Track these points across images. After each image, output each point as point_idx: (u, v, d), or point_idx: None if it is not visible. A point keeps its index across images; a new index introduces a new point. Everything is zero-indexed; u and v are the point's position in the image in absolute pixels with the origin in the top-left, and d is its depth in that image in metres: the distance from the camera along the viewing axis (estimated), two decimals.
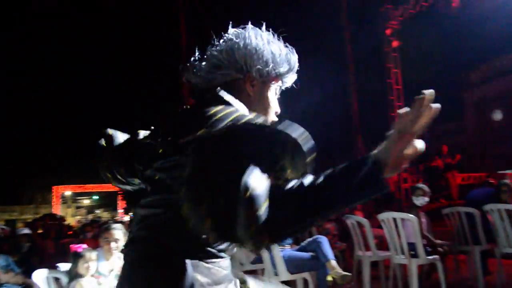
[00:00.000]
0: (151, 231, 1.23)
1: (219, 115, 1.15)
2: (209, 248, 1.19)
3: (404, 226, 4.58)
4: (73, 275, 3.44)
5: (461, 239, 5.26)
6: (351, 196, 1.06)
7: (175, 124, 1.29)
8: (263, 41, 1.36)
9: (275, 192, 1.01)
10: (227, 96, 1.29)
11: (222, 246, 1.21)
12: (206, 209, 1.00)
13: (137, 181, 1.41)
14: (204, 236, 1.10)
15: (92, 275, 3.61)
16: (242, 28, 1.38)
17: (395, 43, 12.96)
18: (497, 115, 16.63)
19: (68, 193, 32.66)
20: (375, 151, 1.08)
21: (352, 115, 14.25)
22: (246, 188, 0.97)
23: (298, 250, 4.33)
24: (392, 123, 1.08)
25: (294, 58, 1.43)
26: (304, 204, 1.03)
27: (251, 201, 0.97)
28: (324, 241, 4.22)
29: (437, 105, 1.04)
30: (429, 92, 1.04)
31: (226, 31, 1.41)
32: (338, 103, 16.51)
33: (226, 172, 1.02)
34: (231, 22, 1.41)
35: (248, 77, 1.35)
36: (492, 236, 4.92)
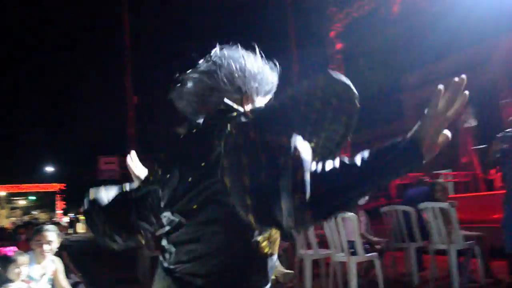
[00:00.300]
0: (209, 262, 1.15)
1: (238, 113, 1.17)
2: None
3: (344, 225, 4.68)
4: (2, 280, 3.25)
5: (398, 237, 5.45)
6: (391, 170, 1.06)
7: (187, 152, 1.24)
8: (255, 59, 1.37)
9: (317, 163, 1.01)
10: (234, 105, 1.29)
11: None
12: (250, 181, 0.98)
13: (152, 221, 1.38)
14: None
15: (23, 280, 3.43)
16: (224, 47, 1.37)
17: (338, 46, 13.28)
18: None
19: (1, 193, 31.00)
20: (411, 132, 1.09)
21: None
22: (295, 148, 0.98)
23: None
24: (429, 102, 1.09)
25: (276, 75, 1.45)
26: (347, 177, 1.02)
27: (299, 162, 0.96)
28: None
29: (467, 92, 1.06)
30: (462, 77, 1.07)
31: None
32: None
33: (269, 143, 1.00)
34: (216, 41, 1.39)
35: (245, 96, 1.34)
36: (427, 233, 5.14)
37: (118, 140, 15.32)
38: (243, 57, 1.34)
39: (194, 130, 1.27)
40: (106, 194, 1.40)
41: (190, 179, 1.15)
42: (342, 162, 1.04)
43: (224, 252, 1.13)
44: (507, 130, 4.55)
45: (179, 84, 1.36)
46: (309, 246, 5.22)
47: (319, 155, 1.16)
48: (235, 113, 1.18)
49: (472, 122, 16.62)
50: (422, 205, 5.05)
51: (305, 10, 14.90)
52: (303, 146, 1.00)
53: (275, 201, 0.96)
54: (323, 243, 5.53)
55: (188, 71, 1.35)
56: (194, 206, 1.15)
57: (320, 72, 1.15)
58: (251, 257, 1.17)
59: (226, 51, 1.34)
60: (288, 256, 6.13)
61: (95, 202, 1.37)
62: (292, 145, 0.98)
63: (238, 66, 1.32)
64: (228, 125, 1.07)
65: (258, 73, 1.36)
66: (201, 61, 1.36)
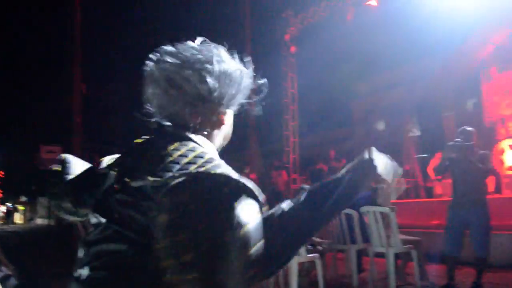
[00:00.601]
0: (112, 271, 1.03)
1: (189, 158, 1.04)
2: None
3: None
4: None
5: (340, 238, 5.57)
6: (330, 214, 1.15)
7: (133, 160, 1.12)
8: (238, 67, 1.24)
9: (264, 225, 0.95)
10: (195, 137, 1.15)
11: None
12: (192, 258, 0.86)
13: (84, 212, 1.18)
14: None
15: None
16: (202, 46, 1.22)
17: (292, 49, 13.44)
18: (380, 125, 18.01)
19: None
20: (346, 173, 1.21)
21: (248, 116, 14.49)
22: (240, 225, 0.88)
23: None
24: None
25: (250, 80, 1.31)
26: (293, 232, 1.05)
27: (246, 239, 0.88)
28: None
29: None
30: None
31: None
32: None
33: (212, 215, 0.89)
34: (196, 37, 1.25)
35: (221, 110, 1.23)
36: (367, 236, 5.28)
37: (62, 129, 14.74)
38: (232, 63, 1.22)
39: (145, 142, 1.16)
40: (79, 162, 1.23)
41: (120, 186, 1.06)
42: (284, 218, 1.07)
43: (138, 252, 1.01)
44: (456, 139, 4.73)
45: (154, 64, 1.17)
46: None
47: None
48: (187, 159, 1.04)
49: (415, 132, 17.28)
50: (364, 209, 5.18)
51: (262, 10, 14.99)
52: (250, 214, 0.92)
53: (223, 271, 0.88)
54: None
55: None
56: (119, 210, 1.05)
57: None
58: None
59: (203, 54, 1.18)
60: None
61: (62, 164, 1.20)
62: (238, 216, 0.89)
63: (230, 77, 1.19)
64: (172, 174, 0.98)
65: (244, 81, 1.23)
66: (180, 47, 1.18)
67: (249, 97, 1.31)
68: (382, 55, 16.37)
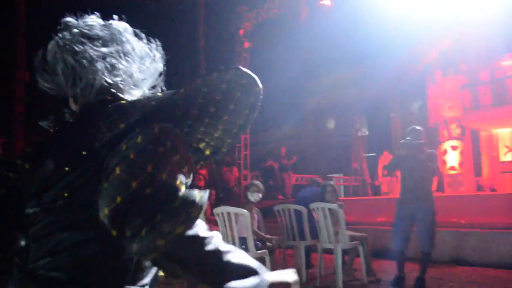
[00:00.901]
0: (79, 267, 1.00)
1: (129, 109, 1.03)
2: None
3: (237, 221, 4.66)
4: None
5: (289, 235, 5.57)
6: None
7: (64, 138, 1.11)
8: (139, 40, 1.24)
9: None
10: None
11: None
12: (122, 200, 0.91)
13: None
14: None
15: None
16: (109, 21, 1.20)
17: (246, 44, 13.39)
18: (330, 124, 18.34)
19: None
20: None
21: None
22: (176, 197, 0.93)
23: None
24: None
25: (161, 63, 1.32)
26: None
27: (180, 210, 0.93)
28: None
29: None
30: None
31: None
32: None
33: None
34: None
35: (125, 85, 1.18)
36: (316, 232, 5.31)
37: (4, 119, 13.97)
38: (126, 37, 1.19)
39: (71, 120, 1.14)
40: None
41: (67, 168, 1.02)
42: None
43: (102, 239, 0.98)
44: (406, 138, 4.83)
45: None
46: None
47: (214, 146, 1.22)
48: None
49: (364, 132, 17.74)
50: (313, 205, 5.21)
51: (217, 5, 14.82)
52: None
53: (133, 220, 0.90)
54: None
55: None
56: (66, 194, 1.01)
57: (227, 66, 1.09)
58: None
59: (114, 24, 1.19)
60: None
61: None
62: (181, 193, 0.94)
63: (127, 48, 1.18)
64: (137, 127, 0.97)
65: (144, 58, 1.22)
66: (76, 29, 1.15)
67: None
68: (334, 55, 16.63)
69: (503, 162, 12.51)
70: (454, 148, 13.42)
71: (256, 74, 1.12)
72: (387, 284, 5.02)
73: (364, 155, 15.50)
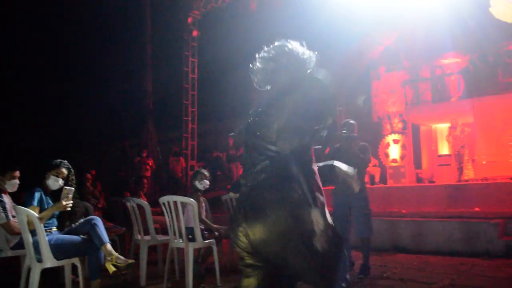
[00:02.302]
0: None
1: None
2: None
3: (185, 210, 4.56)
4: None
5: None
6: None
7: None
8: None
9: None
10: None
11: None
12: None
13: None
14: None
15: None
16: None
17: (194, 33, 13.14)
18: None
19: None
20: None
21: (146, 97, 13.97)
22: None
23: (68, 232, 3.88)
24: None
25: None
26: None
27: None
28: (99, 223, 3.87)
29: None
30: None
31: None
32: (133, 83, 15.97)
33: None
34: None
35: None
36: None
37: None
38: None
39: None
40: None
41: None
42: None
43: None
44: (343, 131, 4.99)
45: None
46: (147, 232, 4.98)
47: None
48: None
49: None
50: None
51: None
52: None
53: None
54: (164, 229, 5.36)
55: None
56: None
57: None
58: None
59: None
60: (123, 242, 5.82)
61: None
62: None
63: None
64: None
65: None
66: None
67: None
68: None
69: (441, 155, 13.10)
70: (396, 141, 13.90)
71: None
72: None
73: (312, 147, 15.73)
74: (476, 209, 7.18)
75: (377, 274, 4.91)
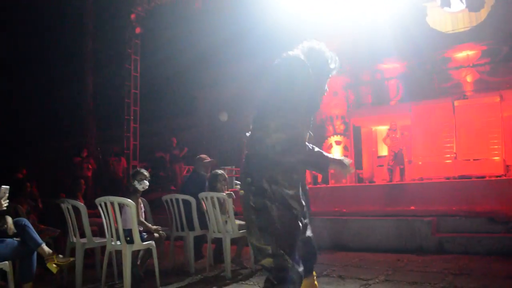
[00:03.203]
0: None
1: None
2: None
3: (122, 212, 4.42)
4: None
5: (178, 225, 5.43)
6: None
7: None
8: None
9: None
10: None
11: None
12: None
13: None
14: None
15: None
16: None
17: (138, 30, 12.83)
18: (224, 116, 18.38)
19: None
20: None
21: (87, 96, 13.45)
22: None
23: None
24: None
25: None
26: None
27: None
28: (29, 225, 3.69)
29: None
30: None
31: None
32: (73, 81, 15.35)
33: None
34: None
35: None
36: (205, 222, 5.24)
37: None
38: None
39: None
40: None
41: None
42: None
43: None
44: None
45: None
46: (84, 235, 4.78)
47: None
48: None
49: None
50: (202, 195, 5.13)
51: None
52: None
53: None
54: (102, 231, 5.17)
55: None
56: None
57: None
58: None
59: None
60: (57, 245, 5.55)
61: None
62: None
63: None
64: None
65: None
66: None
67: None
68: (228, 48, 16.67)
69: (380, 156, 13.56)
70: (338, 143, 14.22)
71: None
72: None
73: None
74: (412, 207, 7.47)
75: (317, 272, 4.97)
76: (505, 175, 11.26)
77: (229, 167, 15.98)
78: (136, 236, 4.34)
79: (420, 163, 12.58)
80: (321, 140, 15.51)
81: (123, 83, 12.95)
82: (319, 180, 13.18)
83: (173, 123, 18.76)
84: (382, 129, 14.31)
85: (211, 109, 19.72)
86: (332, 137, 15.13)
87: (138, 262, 4.78)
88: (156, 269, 4.52)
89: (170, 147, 12.77)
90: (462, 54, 15.44)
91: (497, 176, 10.84)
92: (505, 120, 12.57)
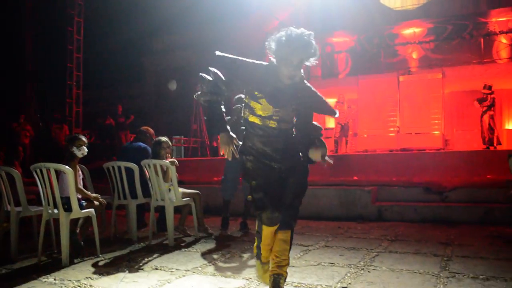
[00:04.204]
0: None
1: None
2: None
3: (60, 179, 4.25)
4: None
5: (120, 193, 5.30)
6: None
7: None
8: None
9: None
10: None
11: None
12: None
13: None
14: None
15: None
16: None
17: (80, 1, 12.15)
18: (173, 85, 18.02)
19: None
20: None
21: (26, 58, 12.72)
22: None
23: None
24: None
25: None
26: None
27: None
28: None
29: None
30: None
31: None
32: (10, 41, 14.42)
33: None
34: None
35: None
36: (148, 190, 5.15)
37: None
38: None
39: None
40: None
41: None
42: None
43: None
44: (238, 105, 5.23)
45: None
46: (18, 203, 4.57)
47: None
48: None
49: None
50: (145, 162, 5.02)
51: None
52: None
53: None
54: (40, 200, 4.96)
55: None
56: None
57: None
58: None
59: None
60: None
61: None
62: None
63: None
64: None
65: None
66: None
67: None
68: (177, 16, 16.25)
69: (327, 128, 13.81)
70: None
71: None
72: (219, 238, 5.15)
73: (204, 117, 15.68)
74: (355, 178, 7.69)
75: None
76: (443, 149, 11.81)
77: (177, 137, 15.80)
78: (74, 204, 4.20)
79: (365, 135, 12.94)
80: None
81: (65, 47, 12.32)
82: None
83: (120, 91, 18.21)
84: (331, 101, 14.54)
85: (160, 77, 19.29)
86: None
87: (78, 231, 4.65)
88: (97, 238, 4.42)
89: (116, 115, 12.38)
90: (409, 31, 15.83)
91: (436, 149, 11.34)
92: (446, 96, 13.10)
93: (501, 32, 14.19)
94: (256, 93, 2.51)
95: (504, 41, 14.51)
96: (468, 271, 3.48)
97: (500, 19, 14.64)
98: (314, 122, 2.64)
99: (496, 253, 4.08)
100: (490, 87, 11.26)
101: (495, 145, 10.98)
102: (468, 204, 6.20)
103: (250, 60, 2.54)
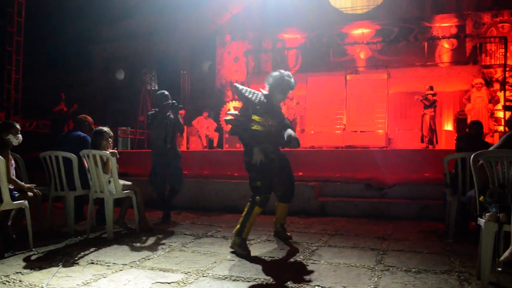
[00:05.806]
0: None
1: None
2: None
3: None
4: None
5: (57, 185, 5.08)
6: None
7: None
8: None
9: None
10: None
11: None
12: None
13: None
14: None
15: None
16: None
17: None
18: (120, 74, 17.54)
19: None
20: None
21: None
22: None
23: None
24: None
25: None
26: None
27: None
28: None
29: None
30: None
31: None
32: None
33: None
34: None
35: None
36: (87, 182, 4.97)
37: None
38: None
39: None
40: None
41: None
42: None
43: None
44: (173, 101, 5.84)
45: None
46: None
47: None
48: None
49: (154, 86, 17.55)
50: (84, 152, 4.84)
51: None
52: None
53: None
54: None
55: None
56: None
57: None
58: None
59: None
60: None
61: None
62: None
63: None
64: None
65: None
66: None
67: None
68: (125, 3, 15.83)
69: None
70: (236, 108, 14.31)
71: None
72: (160, 231, 5.06)
73: (152, 109, 15.40)
74: (300, 173, 7.78)
75: (201, 233, 5.01)
76: (386, 147, 12.20)
77: (124, 128, 15.42)
78: (6, 194, 3.98)
79: (312, 132, 13.14)
80: (220, 104, 15.51)
81: (4, 28, 11.64)
82: (215, 144, 13.26)
83: (66, 78, 17.50)
84: None
85: (108, 66, 18.72)
86: (231, 102, 15.19)
87: (9, 223, 4.41)
88: (30, 230, 4.22)
89: (57, 103, 11.87)
90: (358, 31, 16.22)
91: (380, 148, 11.70)
92: (391, 96, 13.52)
93: (444, 37, 14.83)
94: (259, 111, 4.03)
95: (446, 45, 15.18)
96: (402, 264, 3.60)
97: (444, 25, 15.30)
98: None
99: (429, 248, 4.25)
100: (432, 88, 11.80)
101: (434, 144, 11.50)
102: (406, 200, 6.45)
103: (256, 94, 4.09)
